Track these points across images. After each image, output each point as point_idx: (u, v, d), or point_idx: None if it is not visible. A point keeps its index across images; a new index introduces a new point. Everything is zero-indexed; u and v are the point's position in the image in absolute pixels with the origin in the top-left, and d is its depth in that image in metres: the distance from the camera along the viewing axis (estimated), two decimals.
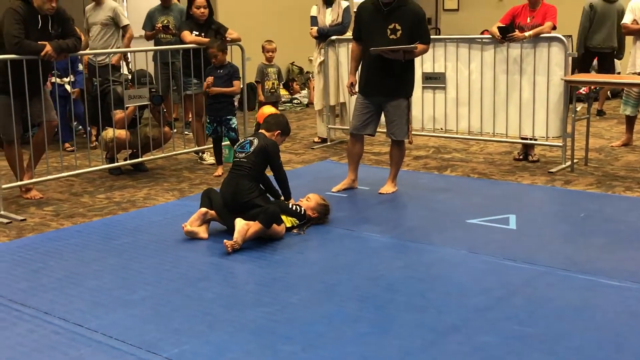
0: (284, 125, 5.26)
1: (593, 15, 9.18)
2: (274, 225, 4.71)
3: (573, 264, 4.19)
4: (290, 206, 5.01)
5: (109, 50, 8.18)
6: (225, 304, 3.73)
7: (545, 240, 4.70)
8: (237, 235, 4.53)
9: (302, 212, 5.02)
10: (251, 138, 5.08)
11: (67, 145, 7.93)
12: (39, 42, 5.63)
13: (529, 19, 6.90)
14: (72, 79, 7.77)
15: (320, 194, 5.30)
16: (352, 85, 5.99)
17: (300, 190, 5.42)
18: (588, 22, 9.24)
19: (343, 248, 4.61)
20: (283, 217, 4.87)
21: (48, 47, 5.64)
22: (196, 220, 4.85)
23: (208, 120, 6.93)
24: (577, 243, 4.64)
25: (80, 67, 7.88)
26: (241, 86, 7.04)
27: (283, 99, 11.19)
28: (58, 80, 7.49)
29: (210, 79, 6.68)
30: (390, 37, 5.61)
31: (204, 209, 4.88)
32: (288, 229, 4.88)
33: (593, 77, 8.08)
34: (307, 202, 5.11)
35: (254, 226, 4.59)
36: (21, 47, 5.55)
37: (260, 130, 5.23)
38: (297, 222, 4.98)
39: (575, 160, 6.79)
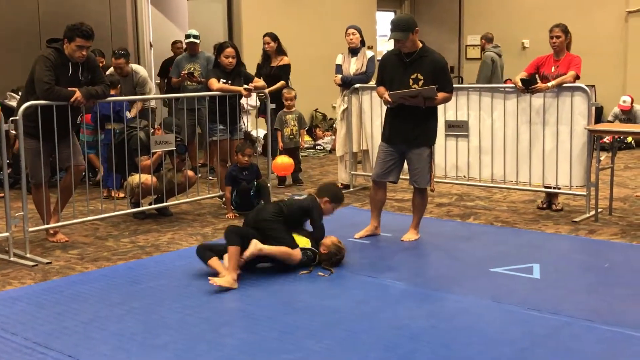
0: (332, 193, 5.38)
1: (494, 67, 11.03)
2: (287, 249, 4.92)
3: (597, 315, 4.15)
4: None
5: (136, 97, 8.33)
6: (248, 350, 3.73)
7: (569, 290, 4.66)
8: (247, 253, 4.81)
9: (314, 254, 5.13)
10: (306, 196, 5.31)
11: (113, 192, 7.76)
12: (69, 89, 5.76)
13: (553, 68, 6.93)
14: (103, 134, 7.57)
15: (342, 240, 5.32)
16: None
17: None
18: (490, 73, 11.04)
19: (366, 296, 4.60)
20: (297, 238, 5.07)
21: (77, 94, 5.76)
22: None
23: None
24: (601, 293, 4.60)
25: (128, 114, 7.74)
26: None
27: (306, 145, 11.28)
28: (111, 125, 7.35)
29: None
30: (413, 86, 5.67)
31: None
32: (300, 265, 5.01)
33: (617, 126, 8.07)
34: (324, 239, 5.22)
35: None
36: (52, 93, 5.68)
37: (313, 192, 5.43)
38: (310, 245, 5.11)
39: (599, 210, 6.75)
